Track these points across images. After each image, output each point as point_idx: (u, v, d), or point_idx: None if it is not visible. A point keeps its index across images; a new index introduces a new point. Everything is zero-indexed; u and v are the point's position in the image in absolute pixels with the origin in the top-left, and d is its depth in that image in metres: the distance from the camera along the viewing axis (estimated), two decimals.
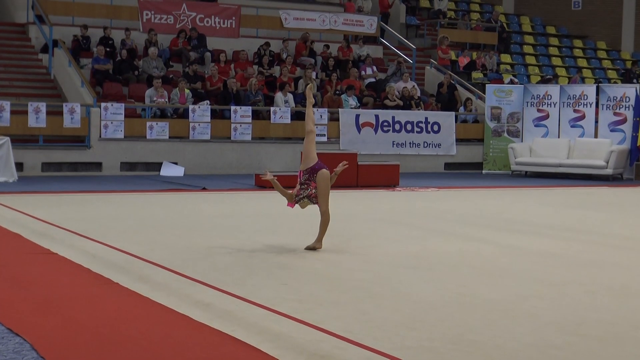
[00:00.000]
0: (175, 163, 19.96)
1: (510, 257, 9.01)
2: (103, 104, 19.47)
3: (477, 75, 27.00)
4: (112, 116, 19.35)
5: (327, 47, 25.36)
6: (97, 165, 19.42)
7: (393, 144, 22.53)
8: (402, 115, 22.74)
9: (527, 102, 23.12)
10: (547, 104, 22.89)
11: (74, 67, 20.62)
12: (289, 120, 21.31)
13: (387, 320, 5.99)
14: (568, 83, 26.94)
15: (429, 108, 23.93)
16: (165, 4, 23.77)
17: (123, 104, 19.78)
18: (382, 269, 8.06)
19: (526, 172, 22.44)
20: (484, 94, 24.16)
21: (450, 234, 10.75)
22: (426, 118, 23.03)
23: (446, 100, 24.50)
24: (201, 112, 20.26)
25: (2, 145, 17.10)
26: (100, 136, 19.31)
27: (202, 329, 5.70)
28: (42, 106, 18.80)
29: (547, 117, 22.88)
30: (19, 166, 18.06)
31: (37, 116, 18.72)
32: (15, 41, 22.92)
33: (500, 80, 26.47)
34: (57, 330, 5.61)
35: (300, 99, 22.24)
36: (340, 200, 15.05)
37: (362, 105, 23.12)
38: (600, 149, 21.48)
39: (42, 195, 14.72)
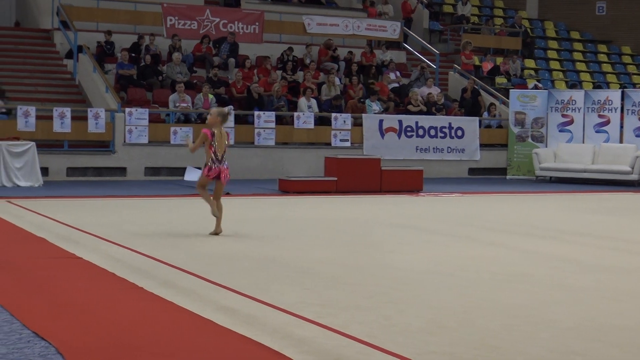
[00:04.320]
0: (199, 168, 20.01)
1: (533, 262, 9.00)
2: (127, 109, 19.60)
3: (500, 80, 26.95)
4: (136, 121, 19.47)
5: (351, 52, 25.39)
6: (122, 170, 19.55)
7: (416, 149, 22.52)
8: (426, 121, 22.74)
9: (552, 107, 23.06)
10: (572, 109, 22.81)
11: (99, 73, 20.78)
12: (312, 126, 21.37)
13: (409, 325, 6.02)
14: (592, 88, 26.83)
15: (453, 113, 23.90)
16: (189, 9, 23.90)
17: (147, 109, 19.90)
18: (405, 275, 8.08)
19: (550, 177, 22.37)
20: (508, 99, 24.11)
21: (474, 239, 10.74)
22: (450, 123, 23.02)
23: (470, 105, 24.47)
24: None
25: (27, 150, 17.26)
26: (124, 141, 19.44)
27: (227, 334, 5.74)
28: (67, 111, 18.96)
29: (571, 122, 22.81)
30: (44, 171, 18.20)
31: (62, 121, 18.87)
32: (40, 47, 23.12)
33: (524, 86, 26.40)
34: (82, 335, 5.67)
35: (326, 107, 22.31)
36: (363, 205, 15.09)
37: (385, 110, 23.12)
38: (626, 154, 21.39)
39: (66, 199, 14.84)
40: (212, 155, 10.52)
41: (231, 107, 20.89)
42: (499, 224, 12.48)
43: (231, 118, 20.39)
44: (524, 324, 6.16)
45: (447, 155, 22.93)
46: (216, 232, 10.60)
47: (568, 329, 6.04)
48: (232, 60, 23.54)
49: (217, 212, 10.54)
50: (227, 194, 16.52)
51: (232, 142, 20.34)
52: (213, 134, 10.45)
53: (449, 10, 32.35)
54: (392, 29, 26.40)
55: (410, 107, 23.33)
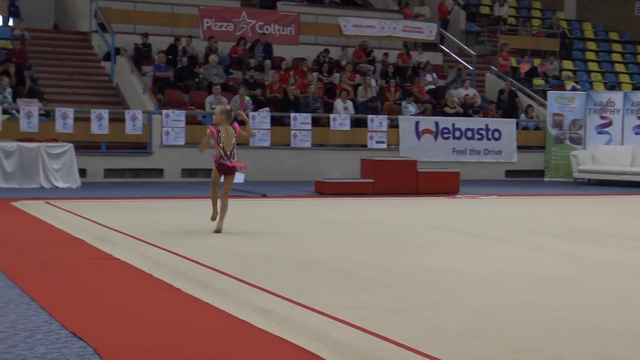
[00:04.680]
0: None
1: (572, 265, 8.91)
2: (164, 111, 19.70)
3: (538, 81, 26.76)
4: (173, 123, 19.56)
5: (386, 55, 25.33)
6: (159, 172, 19.64)
7: (453, 151, 22.43)
8: (463, 122, 22.63)
9: (590, 109, 22.86)
10: (610, 111, 22.60)
11: (136, 75, 20.90)
12: (348, 127, 21.34)
13: (447, 328, 5.97)
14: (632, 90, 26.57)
15: (490, 115, 23.77)
16: (225, 11, 23.99)
17: (184, 111, 19.98)
18: (442, 277, 8.02)
19: (589, 180, 22.17)
20: (545, 100, 23.93)
21: (512, 242, 10.66)
22: (487, 125, 22.89)
23: (507, 107, 24.31)
24: (261, 119, 20.38)
25: (65, 152, 17.39)
26: (161, 143, 19.53)
27: (263, 336, 5.73)
28: (105, 113, 19.08)
29: (610, 124, 22.60)
30: (82, 172, 18.33)
31: (99, 123, 18.99)
32: (78, 49, 23.31)
33: (561, 87, 26.20)
34: (120, 335, 5.68)
35: (362, 108, 22.28)
36: (400, 207, 15.04)
37: (422, 112, 23.05)
38: None
39: (104, 201, 14.93)
40: (221, 151, 10.93)
41: (267, 108, 20.92)
42: (537, 227, 12.37)
43: (267, 119, 20.43)
44: (563, 328, 6.09)
45: (483, 157, 22.80)
46: (218, 230, 10.83)
47: (609, 333, 5.96)
48: (268, 62, 23.58)
49: (218, 220, 10.91)
50: (264, 195, 16.56)
51: (267, 143, 20.42)
52: (219, 132, 10.90)
53: (485, 12, 32.18)
54: (428, 31, 26.32)
55: (446, 108, 23.23)
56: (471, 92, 24.15)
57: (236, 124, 11.15)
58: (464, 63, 26.33)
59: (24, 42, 21.51)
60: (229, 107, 11.43)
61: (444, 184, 18.10)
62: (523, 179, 22.99)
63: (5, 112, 18.57)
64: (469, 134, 22.64)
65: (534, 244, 10.43)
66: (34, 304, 6.53)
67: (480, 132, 22.78)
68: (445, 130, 22.39)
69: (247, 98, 20.95)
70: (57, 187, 17.06)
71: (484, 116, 23.53)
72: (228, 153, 10.99)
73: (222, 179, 11.10)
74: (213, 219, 11.08)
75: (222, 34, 23.67)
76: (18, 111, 18.58)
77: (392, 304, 6.74)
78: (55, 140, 17.78)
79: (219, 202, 11.03)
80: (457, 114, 23.06)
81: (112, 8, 23.12)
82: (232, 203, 14.97)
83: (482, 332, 5.90)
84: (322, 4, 27.14)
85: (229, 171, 11.00)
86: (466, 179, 20.66)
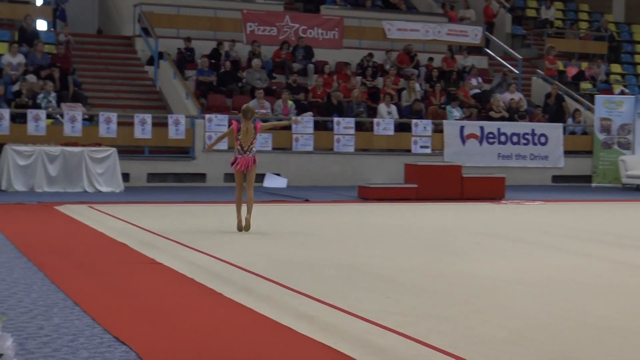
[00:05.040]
0: (278, 175, 20.13)
1: (620, 273, 8.81)
2: (207, 116, 19.79)
3: (585, 85, 26.51)
4: (216, 127, 19.64)
5: (430, 59, 25.26)
6: (201, 177, 19.73)
7: (498, 156, 22.29)
8: (508, 127, 22.48)
9: (639, 114, 22.59)
10: None
11: (179, 79, 21.02)
12: (392, 132, 21.29)
13: (492, 336, 5.93)
14: None
15: (536, 119, 23.59)
16: (269, 15, 24.06)
17: (227, 115, 20.05)
18: (487, 284, 7.97)
19: (637, 185, 21.90)
20: (593, 105, 23.71)
21: (558, 248, 10.56)
22: (533, 130, 22.72)
23: (553, 111, 24.10)
24: (304, 124, 20.41)
25: (109, 156, 17.55)
26: (204, 147, 19.63)
27: (305, 341, 5.73)
28: (148, 118, 19.21)
29: None
30: (125, 177, 18.47)
31: (142, 127, 19.13)
32: (122, 54, 23.50)
33: (610, 91, 25.92)
34: (162, 340, 5.71)
35: (406, 113, 22.23)
36: (444, 213, 14.97)
37: (467, 116, 22.94)
38: None
39: (147, 205, 15.04)
40: (238, 147, 11.56)
41: (310, 113, 20.94)
42: (585, 233, 12.25)
43: (309, 124, 20.44)
44: (612, 337, 6.01)
45: (529, 163, 22.63)
46: (246, 228, 11.37)
47: None
48: (311, 66, 23.61)
49: (246, 215, 11.43)
50: (306, 200, 16.57)
51: (310, 148, 20.44)
52: (239, 129, 11.58)
53: (532, 15, 31.94)
54: (473, 34, 26.19)
55: (492, 113, 23.09)
56: (517, 96, 23.99)
57: (258, 122, 11.81)
58: (510, 67, 26.15)
59: (68, 47, 21.75)
60: (244, 106, 12.04)
61: (489, 190, 18.00)
62: (570, 185, 22.77)
63: (49, 116, 18.78)
64: (515, 138, 22.48)
65: (582, 251, 10.32)
66: (77, 308, 6.59)
67: (526, 136, 22.61)
68: (491, 135, 22.26)
69: (290, 102, 20.99)
70: (100, 192, 17.21)
71: (530, 121, 23.35)
72: (245, 148, 11.55)
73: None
74: (239, 229, 11.43)
75: (265, 38, 23.74)
76: (62, 116, 18.77)
77: (436, 311, 6.71)
78: (98, 144, 17.95)
79: (243, 208, 11.54)
80: (502, 119, 22.91)
81: (155, 12, 23.28)
82: (275, 208, 15.03)
83: (528, 340, 5.85)
84: (366, 8, 27.11)
85: (249, 164, 11.56)
86: (512, 185, 20.50)
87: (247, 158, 11.55)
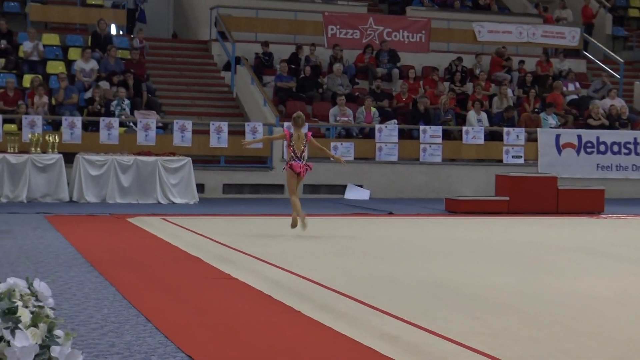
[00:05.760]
0: (361, 186, 20.14)
1: None
2: (286, 123, 19.85)
3: None
4: None
5: (522, 62, 25.02)
6: (279, 188, 19.83)
7: (597, 167, 21.97)
8: (608, 136, 22.15)
9: None
10: None
11: (257, 85, 21.19)
12: (482, 141, 21.14)
13: None
14: None
15: (639, 128, 23.19)
16: (351, 18, 24.12)
17: (307, 123, 20.09)
18: (584, 304, 7.84)
19: None
20: None
21: None
22: (635, 139, 22.34)
23: None
24: (388, 132, 20.39)
25: (183, 166, 17.77)
26: (282, 157, 19.71)
27: None
28: (224, 126, 19.40)
29: None
30: (200, 188, 18.68)
31: (218, 136, 19.32)
32: (197, 59, 23.81)
33: None
34: (237, 359, 5.74)
35: (497, 120, 22.04)
36: (539, 228, 14.80)
37: (563, 124, 22.67)
38: None
39: (222, 218, 15.17)
40: (292, 153, 12.52)
41: (395, 120, 20.91)
42: None
43: (395, 133, 20.38)
44: None
45: (631, 174, 22.24)
46: (302, 224, 12.32)
47: None
48: (395, 71, 23.59)
49: (298, 221, 12.36)
50: (390, 213, 16.54)
51: (395, 158, 20.39)
52: (291, 135, 12.54)
53: (634, 15, 31.43)
54: (570, 36, 25.87)
55: (590, 120, 22.78)
56: (618, 102, 23.62)
57: (310, 132, 13.00)
58: (610, 71, 25.77)
59: (142, 53, 22.10)
60: (299, 113, 12.88)
61: (587, 203, 17.76)
62: None
63: (122, 124, 19.10)
64: (615, 148, 22.13)
65: None
66: (150, 325, 6.67)
67: (628, 146, 22.24)
68: (589, 144, 21.95)
69: (373, 110, 20.99)
70: (174, 203, 17.44)
71: (633, 129, 22.97)
72: (298, 154, 12.50)
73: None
74: (294, 225, 12.37)
75: (348, 41, 23.80)
76: (135, 124, 19.06)
77: (528, 333, 6.62)
78: (172, 154, 18.19)
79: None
80: (602, 127, 22.58)
81: (233, 15, 23.54)
82: (357, 222, 15.03)
83: None
84: (455, 9, 27.01)
85: (301, 171, 12.48)
86: (612, 198, 20.18)
87: (301, 165, 12.47)
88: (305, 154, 12.65)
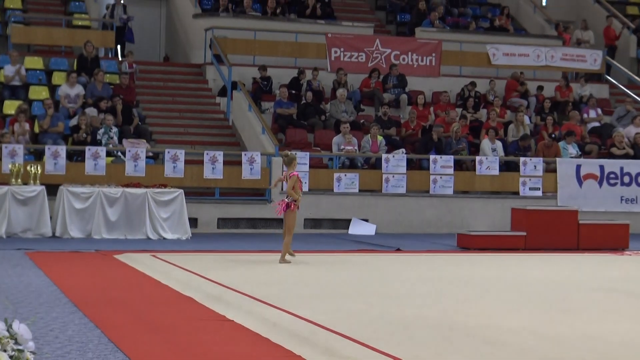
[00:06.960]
0: (366, 220, 20.12)
1: None
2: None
3: None
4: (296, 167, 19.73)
5: (540, 87, 25.08)
6: (278, 222, 19.78)
7: (621, 200, 21.98)
8: (633, 166, 22.17)
9: None
10: None
11: (254, 112, 21.21)
12: (497, 172, 21.15)
13: None
14: None
15: None
16: (357, 40, 24.20)
17: (308, 153, 20.15)
18: (611, 349, 7.81)
19: None
20: None
21: None
22: None
23: None
24: (396, 162, 20.40)
25: (175, 199, 17.76)
26: (281, 189, 19.71)
27: None
28: (219, 155, 19.40)
29: None
30: (193, 222, 18.67)
31: (213, 166, 19.33)
32: (191, 83, 23.87)
33: None
34: None
35: (513, 149, 22.05)
36: (558, 265, 14.77)
37: (585, 154, 22.69)
38: None
39: (217, 254, 15.14)
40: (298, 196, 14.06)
41: (403, 150, 20.93)
42: None
43: (403, 163, 20.39)
44: None
45: None
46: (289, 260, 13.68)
47: None
48: (404, 97, 23.64)
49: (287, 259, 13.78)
50: (398, 249, 16.51)
51: (403, 190, 20.39)
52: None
53: None
54: (592, 59, 25.96)
55: (613, 149, 22.80)
56: None
57: (295, 173, 14.02)
58: (635, 96, 25.83)
59: (132, 77, 22.11)
60: (286, 152, 14.41)
61: (610, 239, 17.75)
62: None
63: (109, 154, 19.11)
64: None
65: None
66: None
67: None
68: (612, 175, 21.96)
69: (379, 138, 21.01)
70: (164, 239, 17.42)
71: None
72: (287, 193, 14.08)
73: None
74: (282, 261, 13.73)
75: (353, 65, 23.87)
76: (124, 153, 19.07)
77: None
78: (163, 185, 18.19)
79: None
80: (626, 156, 22.61)
81: (229, 37, 23.61)
82: (362, 258, 15.02)
83: None
84: (468, 31, 27.11)
85: (279, 210, 14.15)
86: (637, 233, 20.16)
87: (281, 203, 14.01)
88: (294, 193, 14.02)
